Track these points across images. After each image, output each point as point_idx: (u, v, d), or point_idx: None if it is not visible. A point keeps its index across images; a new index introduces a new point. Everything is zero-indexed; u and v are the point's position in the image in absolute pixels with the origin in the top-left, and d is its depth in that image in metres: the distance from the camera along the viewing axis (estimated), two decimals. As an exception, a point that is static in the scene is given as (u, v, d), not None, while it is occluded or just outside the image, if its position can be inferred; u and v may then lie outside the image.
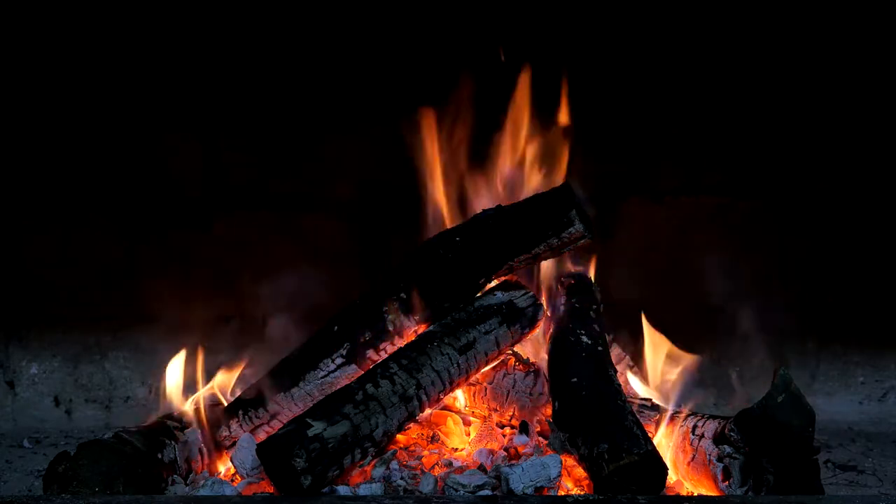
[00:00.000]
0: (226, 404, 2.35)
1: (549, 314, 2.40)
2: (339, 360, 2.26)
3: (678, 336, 2.44)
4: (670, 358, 2.32)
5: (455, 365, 2.16)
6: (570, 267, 2.54)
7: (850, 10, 2.97)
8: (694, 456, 2.06)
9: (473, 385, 2.37)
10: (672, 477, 2.09)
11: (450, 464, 2.12)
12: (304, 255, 3.02)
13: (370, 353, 2.27)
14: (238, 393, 2.38)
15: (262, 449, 1.96)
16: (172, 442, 2.13)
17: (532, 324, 2.32)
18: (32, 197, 3.06)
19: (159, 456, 2.07)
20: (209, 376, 2.44)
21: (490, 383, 2.35)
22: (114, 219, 3.07)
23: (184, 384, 2.37)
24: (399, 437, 2.17)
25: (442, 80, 2.71)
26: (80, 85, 3.00)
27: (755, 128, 3.08)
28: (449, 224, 2.47)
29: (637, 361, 2.51)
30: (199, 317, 3.00)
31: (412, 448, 2.19)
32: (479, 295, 2.31)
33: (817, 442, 1.93)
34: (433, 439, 2.25)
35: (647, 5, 2.99)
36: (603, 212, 3.04)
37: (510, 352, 2.36)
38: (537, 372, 2.32)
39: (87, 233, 3.06)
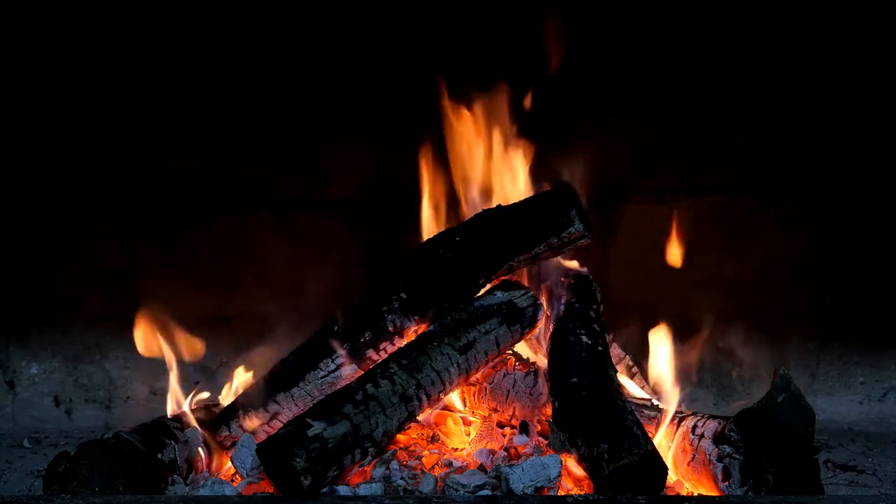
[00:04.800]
0: (226, 404, 2.36)
1: (549, 314, 2.40)
2: (339, 360, 2.26)
3: (678, 336, 2.45)
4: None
5: (455, 365, 2.16)
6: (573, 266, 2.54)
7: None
8: (694, 456, 2.06)
9: (473, 385, 2.37)
10: (672, 477, 2.09)
11: (450, 464, 2.12)
12: (305, 254, 3.02)
13: (370, 353, 2.27)
14: (238, 393, 2.39)
15: (262, 449, 1.96)
16: (172, 442, 2.13)
17: (532, 324, 2.32)
18: (33, 197, 3.06)
19: (159, 456, 2.06)
20: (209, 376, 2.45)
21: (490, 383, 2.35)
22: (114, 218, 3.07)
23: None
24: (399, 437, 2.17)
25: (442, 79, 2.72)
26: (79, 86, 3.00)
27: (755, 126, 3.08)
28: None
29: (638, 362, 2.51)
30: (199, 316, 3.00)
31: (412, 448, 2.19)
32: (479, 295, 2.31)
33: (817, 442, 1.93)
34: (433, 439, 2.25)
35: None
36: (603, 212, 3.04)
37: (510, 352, 2.37)
38: (537, 372, 2.32)
39: (88, 233, 3.06)
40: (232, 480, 2.14)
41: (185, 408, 2.32)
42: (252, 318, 3.00)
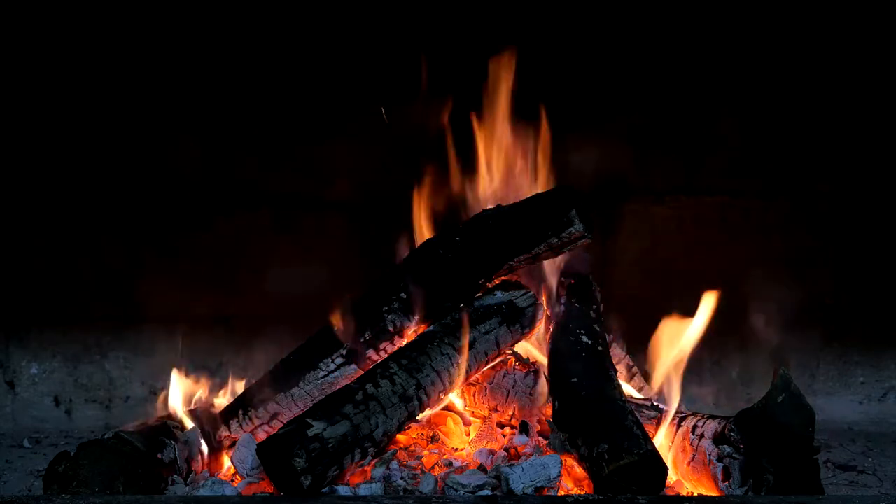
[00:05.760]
0: (226, 404, 2.35)
1: (549, 314, 2.40)
2: (339, 360, 2.26)
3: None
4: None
5: (455, 365, 2.16)
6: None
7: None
8: (694, 456, 2.05)
9: (473, 385, 2.37)
10: (672, 477, 2.09)
11: (450, 464, 2.12)
12: (305, 254, 3.02)
13: (370, 353, 2.27)
14: (238, 393, 2.39)
15: (262, 449, 1.96)
16: (172, 442, 2.13)
17: (532, 324, 2.32)
18: (33, 197, 3.06)
19: (159, 456, 2.06)
20: (209, 376, 2.44)
21: (490, 383, 2.35)
22: (114, 218, 3.07)
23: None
24: (399, 437, 2.17)
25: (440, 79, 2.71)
26: (79, 86, 3.00)
27: (755, 126, 3.08)
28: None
29: (638, 361, 2.51)
30: (199, 316, 3.01)
31: (412, 448, 2.19)
32: (479, 295, 2.31)
33: (817, 442, 1.93)
34: (433, 439, 2.25)
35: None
36: (603, 212, 3.04)
37: (510, 352, 2.37)
38: (537, 372, 2.32)
39: (87, 232, 3.06)
40: (232, 480, 2.14)
41: (182, 409, 2.31)
42: (252, 318, 3.00)
